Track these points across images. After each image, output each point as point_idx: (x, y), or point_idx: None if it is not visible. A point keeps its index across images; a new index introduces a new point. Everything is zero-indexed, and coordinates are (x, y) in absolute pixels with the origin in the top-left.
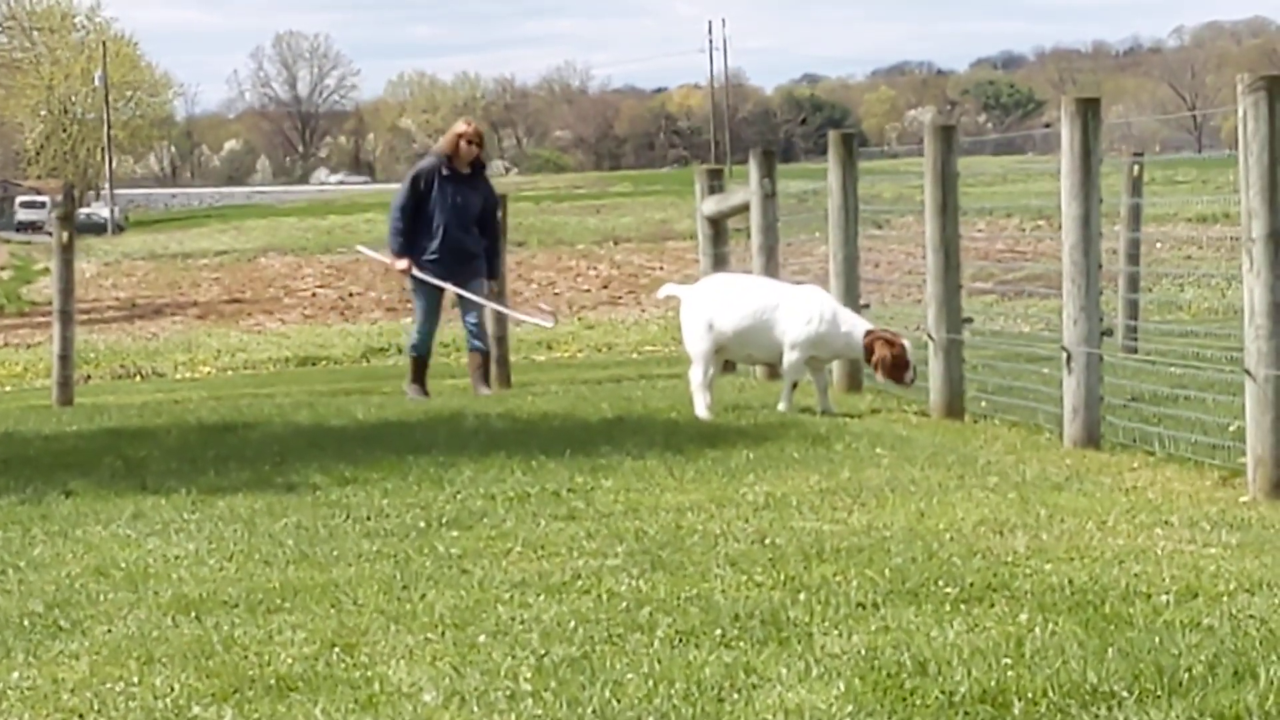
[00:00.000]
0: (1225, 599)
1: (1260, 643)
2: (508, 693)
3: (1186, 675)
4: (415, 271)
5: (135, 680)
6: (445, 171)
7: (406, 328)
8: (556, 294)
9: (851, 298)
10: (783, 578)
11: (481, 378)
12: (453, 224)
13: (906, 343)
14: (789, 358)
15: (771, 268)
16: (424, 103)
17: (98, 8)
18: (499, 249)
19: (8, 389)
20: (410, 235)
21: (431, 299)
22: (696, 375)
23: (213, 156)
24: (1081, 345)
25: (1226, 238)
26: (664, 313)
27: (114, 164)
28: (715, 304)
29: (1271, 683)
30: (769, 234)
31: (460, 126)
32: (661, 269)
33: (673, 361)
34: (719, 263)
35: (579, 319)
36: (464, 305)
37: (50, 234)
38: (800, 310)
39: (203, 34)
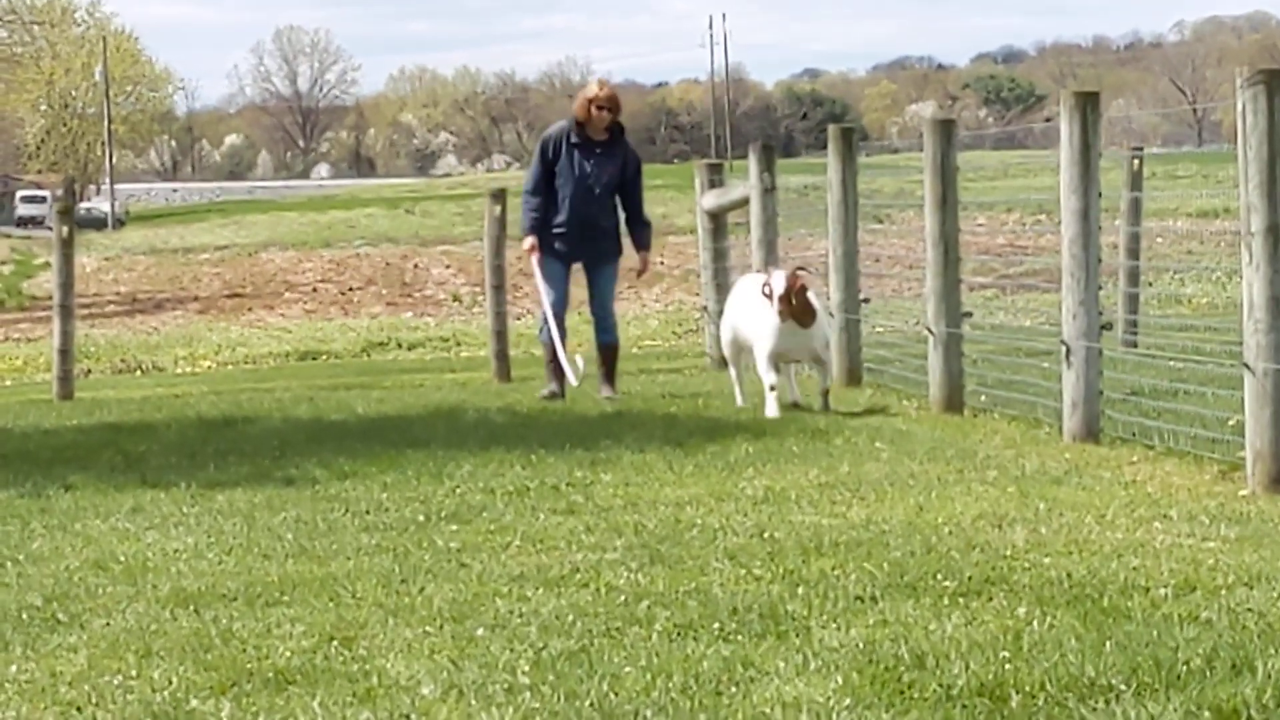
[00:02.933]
0: (1224, 593)
1: (1258, 636)
2: (506, 686)
3: (1184, 669)
4: (535, 254)
5: (133, 673)
6: (574, 139)
7: (407, 322)
8: None
9: (851, 292)
10: (781, 571)
11: (604, 376)
12: (579, 196)
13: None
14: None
15: (771, 262)
16: (425, 97)
17: (98, 3)
18: (645, 218)
19: (8, 383)
20: (544, 211)
21: (553, 278)
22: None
23: (213, 151)
24: (1081, 339)
25: (1226, 232)
26: (664, 307)
27: (114, 159)
28: (731, 306)
29: (1269, 676)
30: (768, 228)
31: (591, 89)
32: (662, 263)
33: (672, 356)
34: (718, 257)
35: (579, 314)
36: (590, 290)
37: (51, 229)
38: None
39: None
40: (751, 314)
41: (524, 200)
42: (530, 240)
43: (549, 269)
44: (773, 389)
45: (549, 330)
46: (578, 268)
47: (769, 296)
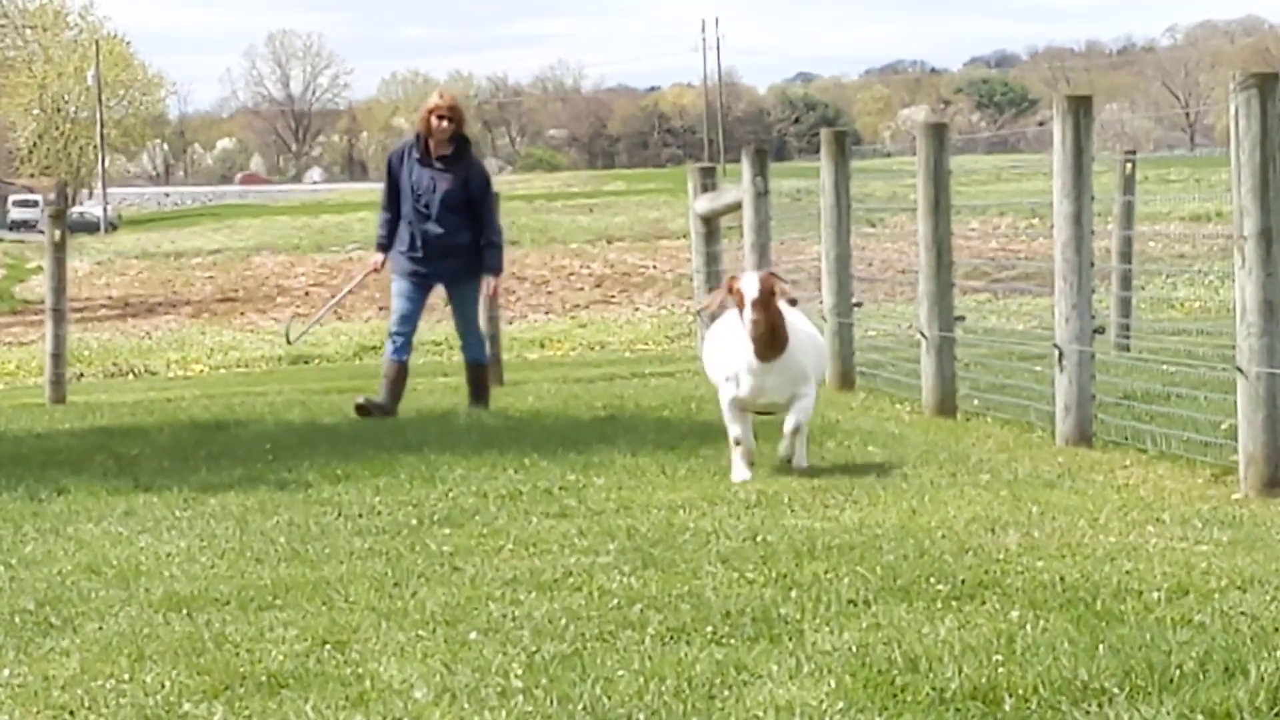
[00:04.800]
0: (1217, 596)
1: (1251, 639)
2: (499, 689)
3: (1178, 672)
4: (373, 271)
5: (126, 677)
6: (416, 153)
7: None
8: (550, 293)
9: (844, 296)
10: (774, 575)
11: (471, 394)
12: (419, 213)
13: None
14: None
15: (764, 265)
16: (417, 102)
17: (90, 7)
18: (492, 238)
19: (1, 387)
20: (391, 229)
21: (399, 295)
22: None
23: (206, 155)
24: (1074, 343)
25: (1219, 236)
26: (656, 311)
27: (107, 163)
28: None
29: (1262, 679)
30: (761, 232)
31: (432, 100)
32: (655, 267)
33: (665, 360)
34: (711, 261)
35: (572, 317)
36: (451, 309)
37: (43, 233)
38: None
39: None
40: (718, 348)
41: (382, 213)
42: (376, 258)
43: (397, 286)
44: (737, 443)
45: (393, 349)
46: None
47: (732, 307)
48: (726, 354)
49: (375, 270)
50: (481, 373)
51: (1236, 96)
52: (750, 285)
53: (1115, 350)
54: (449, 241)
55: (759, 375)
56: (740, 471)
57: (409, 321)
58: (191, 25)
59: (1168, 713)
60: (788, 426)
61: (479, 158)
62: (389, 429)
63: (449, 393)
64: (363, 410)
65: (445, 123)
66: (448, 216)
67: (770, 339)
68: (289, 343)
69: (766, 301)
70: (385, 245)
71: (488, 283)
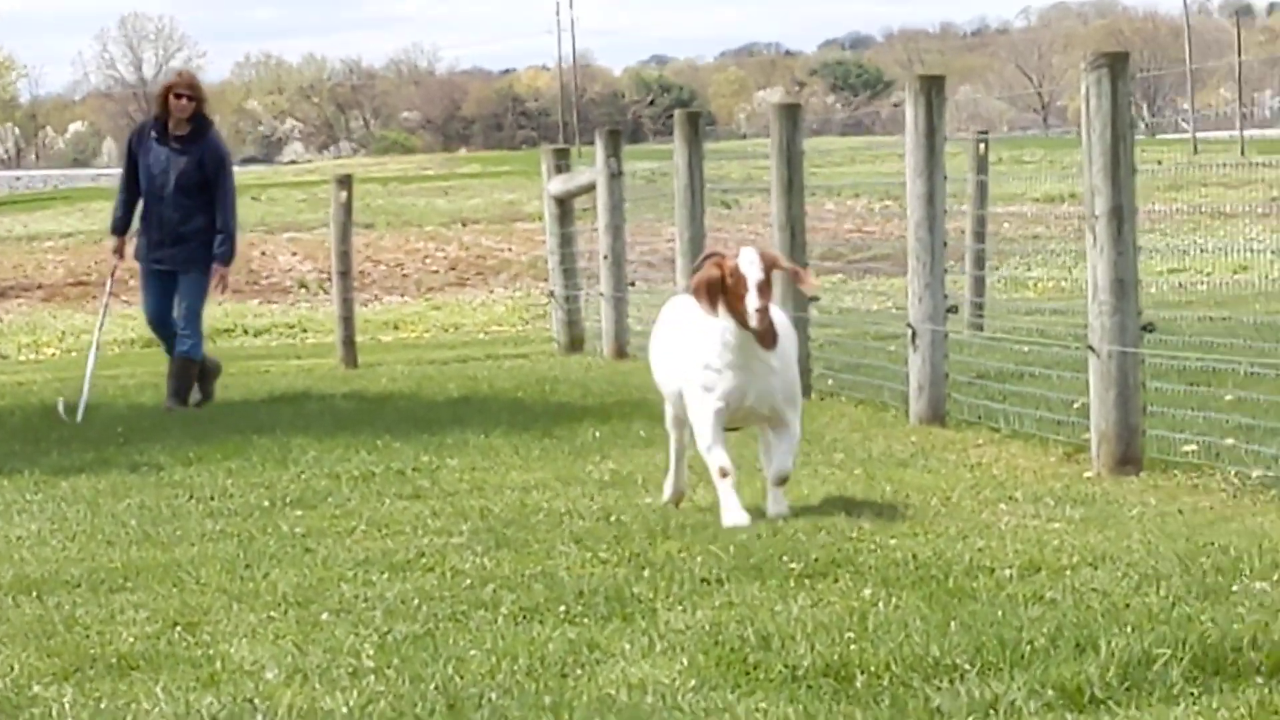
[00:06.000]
0: (1068, 573)
1: (1102, 615)
2: (350, 670)
3: (1029, 648)
4: (116, 257)
5: None
6: (154, 133)
7: (253, 309)
8: (405, 275)
9: None
10: (627, 554)
11: (177, 390)
12: (153, 195)
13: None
14: None
15: (618, 246)
16: (270, 84)
17: None
18: (225, 226)
19: None
20: (127, 210)
21: (145, 288)
22: None
23: (58, 139)
24: (926, 322)
25: (1072, 216)
26: (511, 293)
27: None
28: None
29: (1113, 654)
30: (615, 213)
31: (171, 79)
32: (510, 250)
33: (520, 341)
34: (565, 242)
35: (426, 300)
36: (177, 298)
37: None
38: None
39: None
40: (683, 347)
41: (120, 197)
42: (111, 241)
43: (142, 279)
44: (724, 474)
45: (161, 338)
46: None
47: (725, 294)
48: (700, 352)
49: (119, 259)
50: (189, 369)
51: (1088, 76)
52: (751, 264)
53: (969, 330)
54: (181, 227)
55: (750, 372)
56: (737, 513)
57: (163, 325)
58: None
59: (1019, 688)
60: (774, 479)
61: (219, 139)
62: (242, 412)
63: (302, 375)
64: (174, 402)
65: (184, 101)
66: (181, 200)
67: (772, 332)
68: (77, 421)
69: (771, 285)
70: (120, 229)
71: (217, 273)
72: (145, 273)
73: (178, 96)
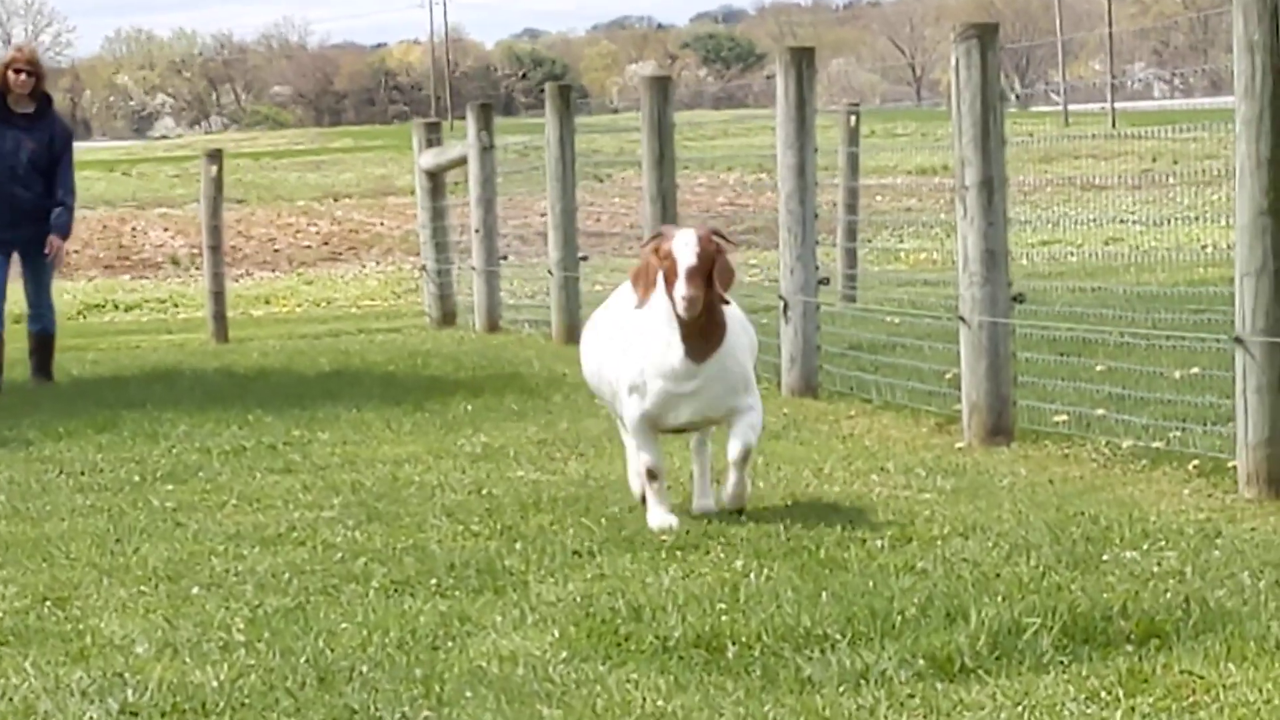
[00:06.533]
0: (939, 543)
1: (972, 585)
2: (221, 643)
3: (899, 618)
4: None
5: None
6: None
7: (124, 284)
8: (277, 250)
9: (570, 250)
10: (499, 527)
11: (34, 366)
12: (7, 176)
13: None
14: None
15: (490, 220)
16: (141, 60)
17: None
18: (66, 199)
19: None
20: None
21: None
22: None
23: None
24: (798, 294)
25: (944, 189)
26: (384, 268)
27: None
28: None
29: (983, 624)
30: (487, 187)
31: (10, 54)
32: (382, 224)
33: (392, 316)
34: (437, 216)
35: (298, 274)
36: (25, 275)
37: None
38: None
39: None
40: (617, 338)
41: None
42: None
43: None
44: (652, 476)
45: (37, 320)
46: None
47: (650, 279)
48: (632, 350)
49: None
50: (51, 344)
51: (957, 48)
52: (685, 246)
53: (841, 302)
54: (32, 206)
55: (687, 381)
56: (661, 515)
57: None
58: None
59: (889, 657)
60: (733, 453)
61: (62, 116)
62: (112, 387)
63: (173, 350)
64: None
65: (24, 76)
66: (34, 177)
67: (707, 328)
68: None
69: (706, 271)
70: None
71: (51, 243)
72: None
73: (17, 72)
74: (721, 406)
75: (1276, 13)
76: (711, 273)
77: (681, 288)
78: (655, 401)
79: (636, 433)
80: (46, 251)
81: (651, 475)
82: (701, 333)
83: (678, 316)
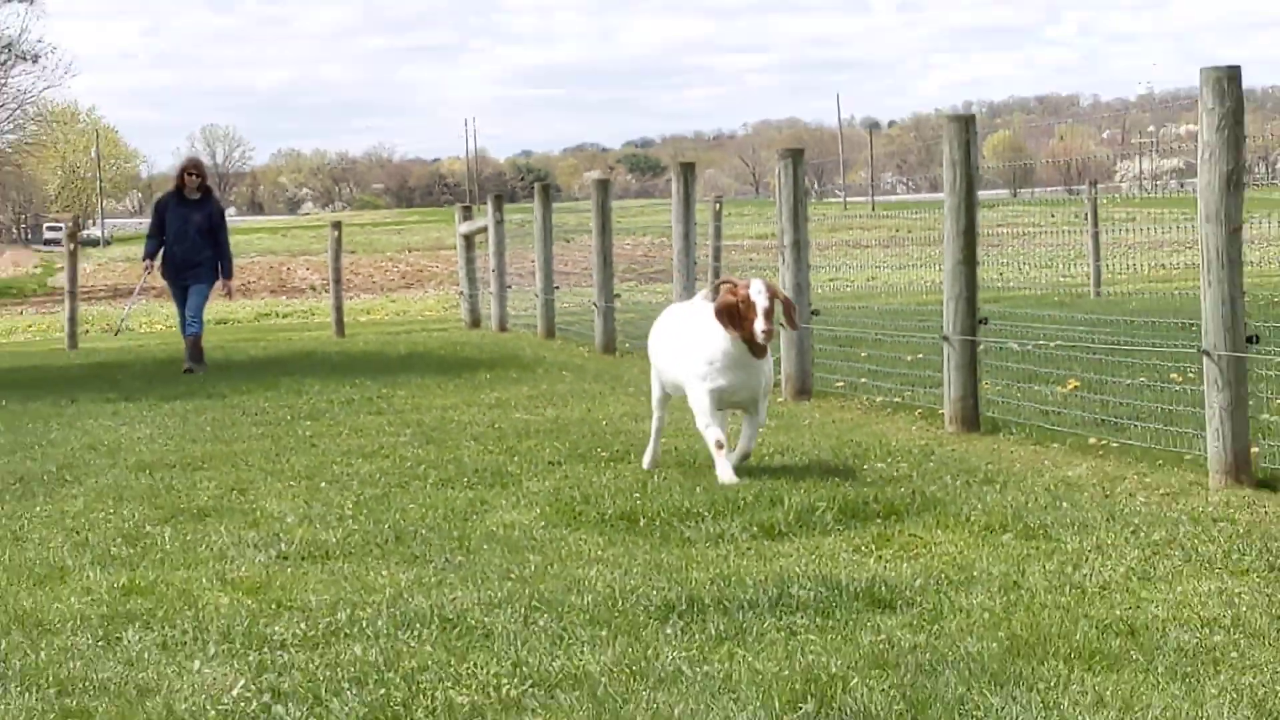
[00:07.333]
0: (766, 458)
1: (785, 483)
2: (337, 516)
3: (743, 502)
4: (152, 271)
5: (111, 511)
6: (176, 199)
7: (283, 303)
8: (374, 281)
9: (549, 283)
10: (505, 447)
11: (191, 356)
12: (176, 236)
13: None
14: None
15: (501, 264)
16: (293, 166)
17: (93, 109)
18: (225, 253)
19: (36, 339)
20: (156, 245)
21: (174, 294)
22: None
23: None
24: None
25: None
26: (438, 295)
27: (103, 204)
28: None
29: (792, 506)
30: (500, 244)
31: (184, 162)
32: (437, 267)
33: (442, 322)
34: (470, 262)
35: (386, 296)
36: (188, 300)
37: (64, 246)
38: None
39: (157, 126)
40: (684, 340)
41: (148, 237)
42: (145, 261)
43: (171, 287)
44: (720, 446)
45: (182, 326)
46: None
47: (735, 314)
48: (705, 350)
49: (148, 271)
50: (199, 342)
51: (780, 162)
52: (761, 295)
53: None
54: (195, 257)
55: (751, 370)
56: (728, 474)
57: (181, 306)
58: (156, 121)
59: (736, 526)
60: (744, 444)
61: (217, 199)
62: (275, 362)
63: (310, 341)
64: (189, 371)
65: (192, 177)
66: (196, 240)
67: (766, 345)
68: (116, 334)
69: (774, 312)
70: (149, 254)
71: (228, 285)
72: (174, 287)
73: (189, 174)
74: (757, 393)
75: (967, 144)
76: (773, 311)
77: (761, 323)
78: (720, 385)
79: (709, 409)
80: (222, 290)
81: (719, 445)
82: (757, 350)
83: (754, 342)
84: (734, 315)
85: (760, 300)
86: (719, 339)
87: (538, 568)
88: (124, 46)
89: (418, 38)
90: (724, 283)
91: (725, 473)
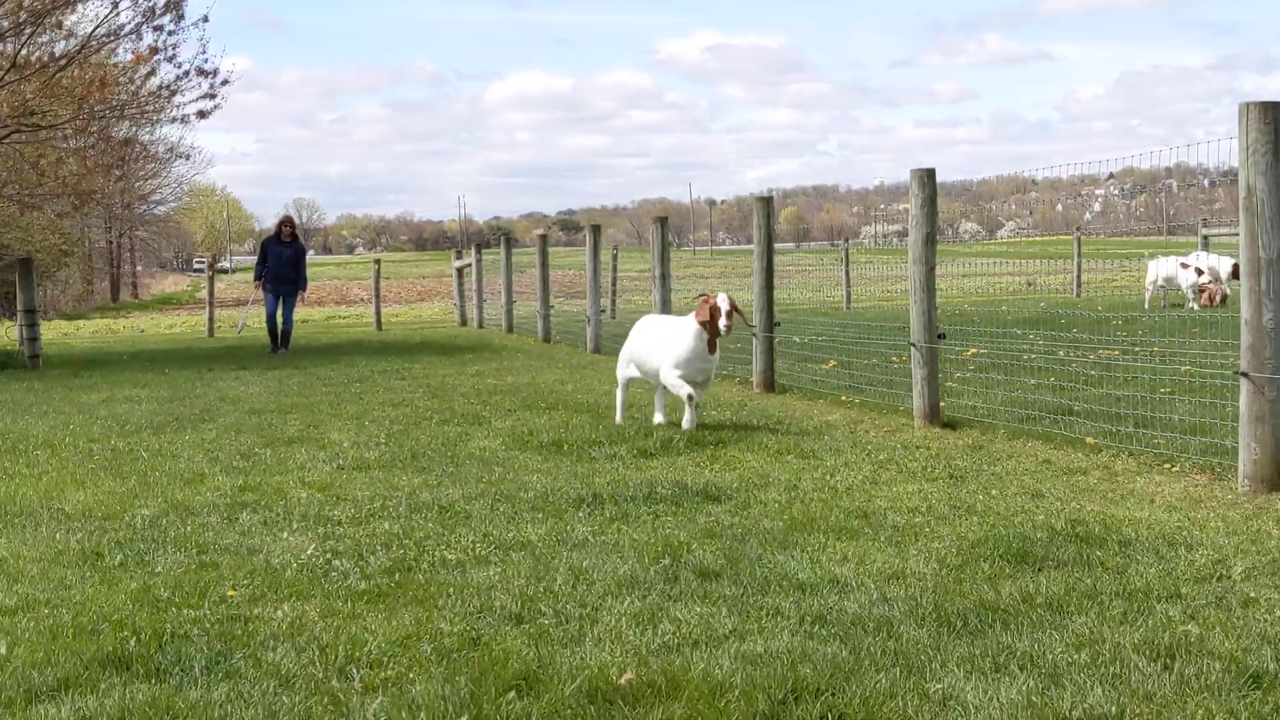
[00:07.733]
0: (646, 415)
1: (664, 432)
2: (375, 442)
3: (629, 435)
4: (260, 288)
5: (233, 439)
6: (275, 241)
7: (343, 310)
8: (400, 296)
9: (509, 297)
10: (481, 400)
11: (282, 343)
12: (275, 265)
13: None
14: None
15: (480, 286)
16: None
17: (225, 188)
18: (304, 276)
19: (187, 332)
20: (263, 269)
21: (267, 303)
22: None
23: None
24: (592, 317)
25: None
26: (440, 306)
27: (231, 246)
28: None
29: (659, 439)
30: (479, 274)
31: (282, 217)
32: (440, 288)
33: (441, 322)
34: (461, 286)
35: (407, 305)
36: (282, 307)
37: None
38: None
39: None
40: (660, 341)
41: (256, 266)
42: (256, 283)
43: (267, 299)
44: (691, 398)
45: (270, 323)
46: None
47: (709, 319)
48: (675, 347)
49: (258, 290)
50: (289, 334)
51: (653, 226)
52: (725, 302)
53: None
54: (288, 278)
55: (707, 362)
56: (691, 421)
57: (274, 320)
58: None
59: (623, 450)
60: (691, 415)
61: (302, 241)
62: (334, 348)
63: (360, 333)
64: (278, 352)
65: (288, 228)
66: (288, 268)
67: (718, 341)
68: (239, 331)
69: (733, 315)
70: (259, 277)
71: (301, 296)
72: (268, 296)
73: (285, 224)
74: (709, 376)
75: (768, 214)
76: (734, 313)
77: (724, 321)
78: (693, 370)
79: (679, 383)
80: (301, 300)
81: (690, 399)
82: (712, 344)
83: (713, 332)
84: (710, 317)
85: (724, 305)
86: (688, 339)
87: (500, 475)
88: (244, 149)
89: (429, 145)
90: (701, 295)
91: (689, 421)
